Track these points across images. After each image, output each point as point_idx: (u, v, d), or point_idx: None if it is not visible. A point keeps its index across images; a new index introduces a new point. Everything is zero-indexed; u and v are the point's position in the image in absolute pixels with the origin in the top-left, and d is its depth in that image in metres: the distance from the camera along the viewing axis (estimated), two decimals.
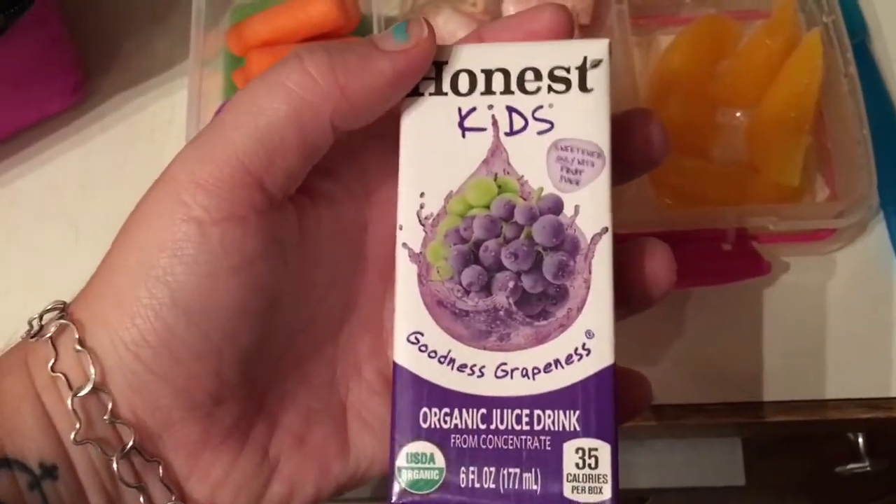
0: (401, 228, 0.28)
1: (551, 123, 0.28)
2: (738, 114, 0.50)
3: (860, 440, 0.61)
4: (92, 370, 0.27)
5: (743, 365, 0.46)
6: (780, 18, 0.49)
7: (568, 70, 0.28)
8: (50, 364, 0.27)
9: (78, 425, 0.27)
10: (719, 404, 0.46)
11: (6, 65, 0.47)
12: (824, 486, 0.71)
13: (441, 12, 0.51)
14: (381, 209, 0.30)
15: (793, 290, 0.47)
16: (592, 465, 0.26)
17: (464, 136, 0.28)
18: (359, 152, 0.30)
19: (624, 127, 0.29)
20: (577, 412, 0.27)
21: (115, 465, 0.27)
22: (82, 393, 0.27)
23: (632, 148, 0.30)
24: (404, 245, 0.28)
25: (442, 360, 0.27)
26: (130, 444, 0.27)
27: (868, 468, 0.62)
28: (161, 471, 0.28)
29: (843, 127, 0.47)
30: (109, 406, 0.27)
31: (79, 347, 0.27)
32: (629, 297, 0.29)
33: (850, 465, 0.63)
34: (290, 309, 0.29)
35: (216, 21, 0.51)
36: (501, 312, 0.27)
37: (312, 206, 0.29)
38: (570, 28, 0.29)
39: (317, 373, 0.30)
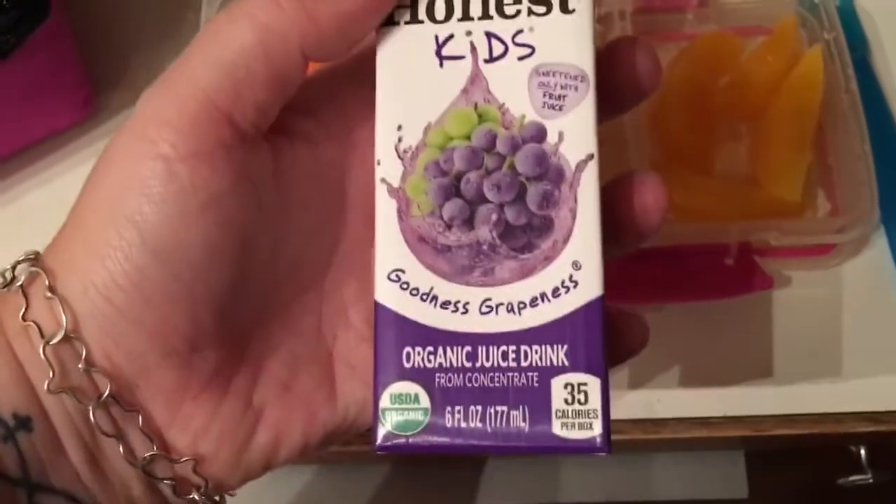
0: (379, 163, 0.27)
1: (532, 48, 0.27)
2: (740, 128, 0.50)
3: (862, 452, 0.61)
4: (63, 317, 0.26)
5: (745, 378, 0.46)
6: (781, 35, 0.50)
7: None
8: (21, 313, 0.27)
9: (51, 374, 0.26)
10: (722, 418, 0.46)
11: (16, 80, 0.47)
12: (826, 497, 0.71)
13: None
14: (362, 151, 0.29)
15: (795, 303, 0.48)
16: (582, 401, 0.25)
17: (441, 65, 0.27)
18: (339, 93, 0.29)
19: (610, 56, 0.28)
20: (566, 346, 0.26)
21: (91, 415, 0.27)
22: (54, 341, 0.26)
23: (619, 77, 0.28)
24: (383, 180, 0.27)
25: (424, 297, 0.26)
26: (107, 392, 0.27)
27: (870, 480, 0.62)
28: (140, 420, 0.27)
29: (844, 142, 0.47)
30: (83, 354, 0.26)
31: (49, 294, 0.26)
32: (618, 234, 0.28)
33: (853, 477, 0.63)
34: (269, 253, 0.28)
35: None
36: (485, 246, 0.26)
37: (290, 146, 0.29)
38: None
39: (302, 319, 0.30)
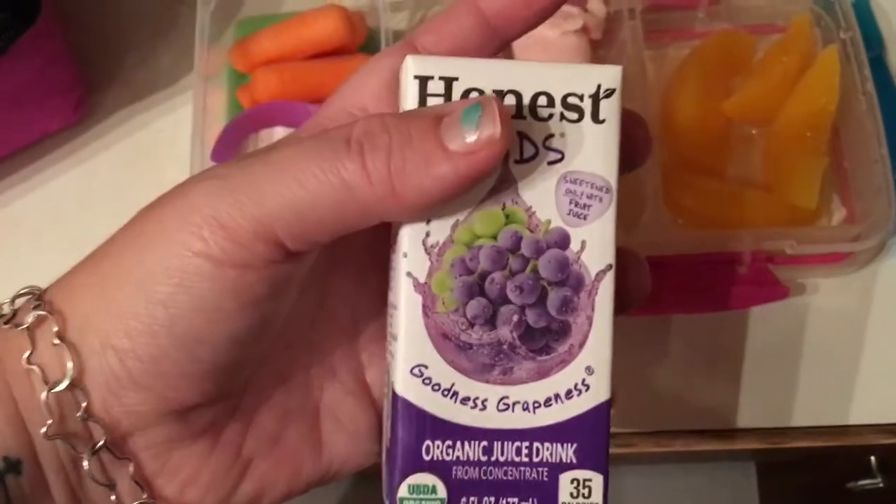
0: (405, 256, 0.27)
1: (562, 154, 0.27)
2: (753, 131, 0.49)
3: (872, 458, 0.61)
4: (70, 365, 0.26)
5: (760, 389, 0.45)
6: (795, 34, 0.48)
7: (581, 98, 0.27)
8: (25, 356, 0.27)
9: (50, 421, 0.27)
10: (732, 430, 0.45)
11: (7, 83, 0.46)
12: (835, 501, 0.70)
13: None
14: None
15: (810, 312, 0.47)
16: (586, 495, 0.27)
17: None
18: None
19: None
20: (574, 445, 0.27)
21: (85, 463, 0.27)
22: (58, 389, 0.27)
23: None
24: (409, 274, 0.27)
25: (445, 392, 0.27)
26: (102, 442, 0.27)
27: (880, 484, 0.62)
28: (131, 469, 0.28)
29: (860, 146, 0.46)
30: (84, 404, 0.27)
31: (57, 341, 0.27)
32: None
33: (862, 482, 0.63)
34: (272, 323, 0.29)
35: (219, 35, 0.50)
36: (505, 346, 0.27)
37: None
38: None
39: (292, 375, 0.30)
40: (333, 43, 0.48)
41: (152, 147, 0.51)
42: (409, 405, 0.27)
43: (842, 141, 0.48)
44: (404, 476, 0.27)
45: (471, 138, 0.25)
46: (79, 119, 0.51)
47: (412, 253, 0.27)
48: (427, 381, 0.27)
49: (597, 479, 0.27)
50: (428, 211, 0.27)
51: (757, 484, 0.55)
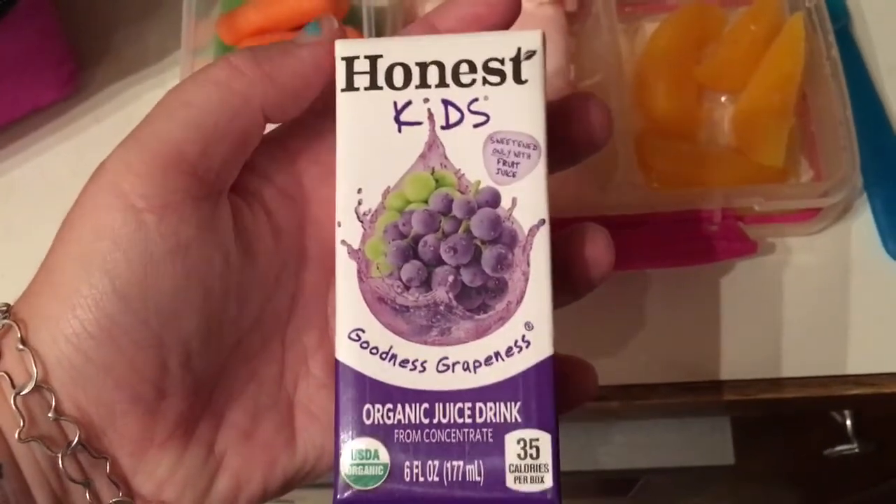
0: (339, 225, 0.28)
1: (487, 116, 0.28)
2: (723, 98, 0.50)
3: (848, 422, 0.62)
4: (34, 368, 0.27)
5: (730, 343, 0.47)
6: (763, 4, 0.50)
7: (502, 62, 0.28)
8: None
9: (22, 423, 0.27)
10: (707, 382, 0.47)
11: None
12: (813, 470, 0.72)
13: (429, 2, 0.52)
14: (319, 208, 0.31)
15: (778, 269, 0.48)
16: (534, 455, 0.27)
17: (400, 130, 0.28)
18: (293, 155, 0.31)
19: (564, 112, 0.30)
20: (518, 403, 0.27)
21: (60, 463, 0.28)
22: (24, 392, 0.27)
23: (573, 133, 0.30)
24: (343, 242, 0.28)
25: (384, 356, 0.27)
26: (76, 440, 0.28)
27: (856, 450, 0.63)
28: (108, 467, 0.28)
29: (826, 109, 0.47)
30: (53, 403, 0.27)
31: (21, 346, 0.27)
32: (571, 283, 0.30)
33: (839, 448, 0.64)
34: (235, 306, 0.29)
35: (207, 10, 0.52)
36: (441, 307, 0.28)
37: (248, 206, 0.30)
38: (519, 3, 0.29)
39: (265, 369, 0.31)
40: (316, 14, 0.49)
41: None
42: (347, 370, 0.27)
43: (809, 105, 0.49)
44: (346, 441, 0.27)
45: (315, 33, 0.29)
46: (70, 93, 0.52)
47: (345, 221, 0.28)
48: (365, 345, 0.27)
49: (544, 439, 0.27)
50: (302, 97, 0.29)
51: (734, 450, 0.57)
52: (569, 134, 0.30)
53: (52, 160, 0.52)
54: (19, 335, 0.27)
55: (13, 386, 0.27)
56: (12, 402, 0.27)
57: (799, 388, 0.47)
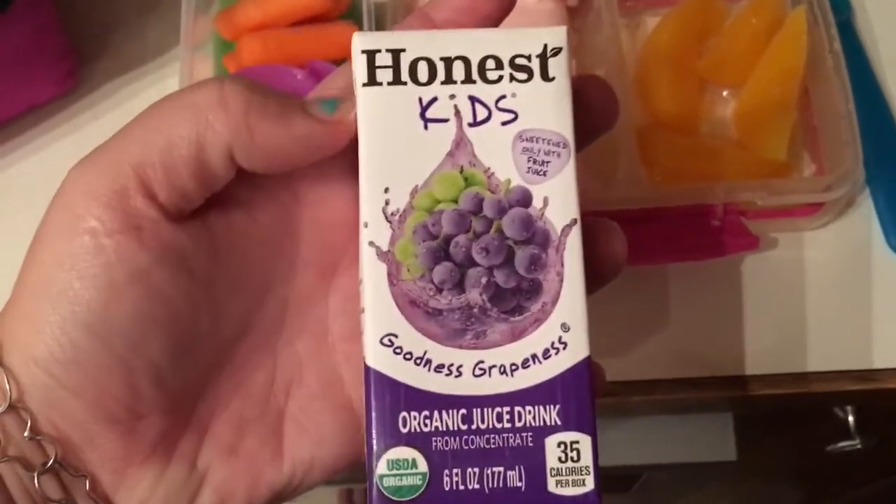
0: (365, 226, 0.27)
1: (515, 113, 0.27)
2: (725, 92, 0.50)
3: (850, 418, 0.62)
4: (8, 388, 0.27)
5: (732, 339, 0.47)
6: None
7: (529, 58, 0.28)
8: None
9: None
10: (709, 378, 0.46)
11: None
12: (815, 465, 0.71)
13: None
14: (312, 210, 0.30)
15: (781, 264, 0.48)
16: (575, 458, 0.26)
17: (426, 127, 0.27)
18: None
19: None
20: (557, 406, 0.26)
21: (35, 482, 0.27)
22: None
23: (579, 116, 0.29)
24: (371, 243, 0.27)
25: (418, 361, 0.27)
26: (52, 459, 0.27)
27: (858, 446, 0.63)
28: (87, 485, 0.28)
29: (828, 103, 0.47)
30: (28, 423, 0.27)
31: None
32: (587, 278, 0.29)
33: (841, 444, 0.64)
34: (210, 320, 0.29)
35: (207, 6, 0.52)
36: (476, 309, 0.27)
37: (224, 214, 0.29)
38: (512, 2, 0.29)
39: (253, 378, 0.30)
40: (316, 10, 0.49)
41: None
42: (381, 377, 0.26)
43: (811, 99, 0.49)
44: (382, 452, 0.26)
45: (327, 111, 0.28)
46: (70, 89, 0.52)
47: (372, 222, 0.27)
48: (398, 351, 0.27)
49: (584, 441, 0.26)
50: (274, 162, 0.27)
51: (737, 447, 0.56)
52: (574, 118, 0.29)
53: (50, 157, 0.52)
54: None
55: None
56: None
57: (801, 384, 0.46)
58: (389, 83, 0.27)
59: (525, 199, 0.27)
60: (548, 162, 0.27)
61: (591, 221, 0.29)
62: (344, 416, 0.30)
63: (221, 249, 0.29)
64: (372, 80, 0.27)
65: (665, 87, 0.49)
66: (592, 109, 0.29)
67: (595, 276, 0.29)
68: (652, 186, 0.47)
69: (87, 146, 0.51)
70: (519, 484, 0.26)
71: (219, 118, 0.27)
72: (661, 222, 0.46)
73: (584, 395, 0.26)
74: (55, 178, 0.51)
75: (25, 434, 0.27)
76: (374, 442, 0.26)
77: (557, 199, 0.27)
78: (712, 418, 0.54)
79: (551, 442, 0.26)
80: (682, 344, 0.47)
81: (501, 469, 0.26)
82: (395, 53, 0.28)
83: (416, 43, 0.28)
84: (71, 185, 0.27)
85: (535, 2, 0.50)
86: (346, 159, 0.28)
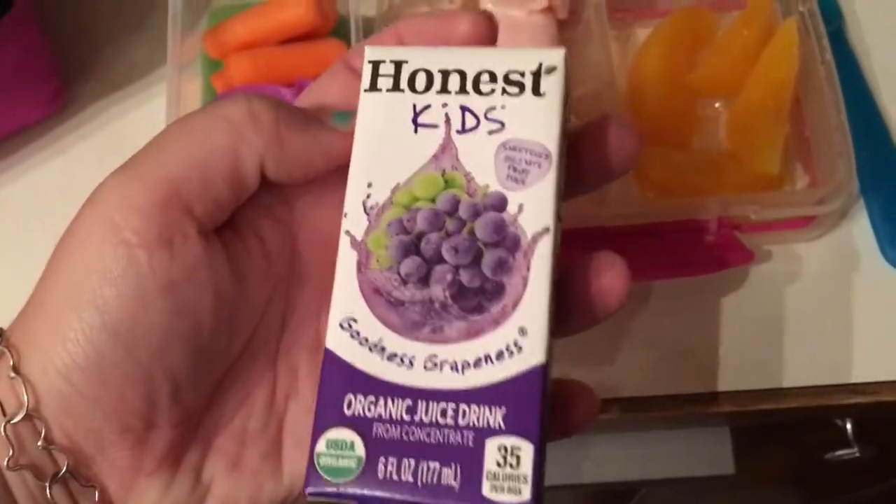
0: (346, 216, 0.28)
1: (502, 124, 0.28)
2: (717, 104, 0.50)
3: (848, 426, 0.61)
4: (26, 397, 0.27)
5: (729, 354, 0.46)
6: (756, 8, 0.49)
7: (523, 74, 0.29)
8: None
9: (11, 452, 0.27)
10: (706, 394, 0.46)
11: None
12: (814, 473, 0.71)
13: (417, 12, 0.51)
14: (313, 231, 0.31)
15: (776, 277, 0.48)
16: (514, 465, 0.26)
17: (416, 131, 0.29)
18: (285, 185, 0.31)
19: (587, 135, 0.30)
20: (504, 409, 0.26)
21: (48, 492, 0.27)
22: (14, 421, 0.27)
23: (589, 158, 0.30)
24: (347, 232, 0.28)
25: (372, 347, 0.27)
26: (64, 469, 0.28)
27: (857, 454, 0.62)
28: (97, 495, 0.28)
29: (821, 114, 0.47)
30: (43, 432, 0.27)
31: (12, 374, 0.27)
32: (584, 310, 0.29)
33: (839, 452, 0.64)
34: (225, 337, 0.29)
35: (193, 25, 0.51)
36: (437, 305, 0.27)
37: (238, 237, 0.30)
38: (492, 36, 0.30)
39: (256, 392, 0.30)
40: (304, 27, 0.49)
41: (130, 137, 0.52)
42: (334, 358, 0.27)
43: (803, 110, 0.49)
44: (322, 430, 0.26)
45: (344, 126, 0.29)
46: (56, 110, 0.52)
47: (352, 212, 0.28)
48: (355, 335, 0.27)
49: (526, 448, 0.26)
50: (303, 172, 0.29)
51: (734, 458, 0.56)
52: (584, 159, 0.30)
53: (39, 177, 0.52)
54: (11, 363, 0.27)
55: (3, 414, 0.27)
56: (2, 430, 0.27)
57: (798, 398, 0.46)
58: (388, 90, 0.29)
59: (500, 204, 0.28)
60: (527, 171, 0.28)
61: (594, 253, 0.29)
62: None
63: (237, 266, 0.29)
64: (373, 87, 0.29)
65: (656, 100, 0.49)
66: (609, 153, 0.30)
67: (593, 309, 0.29)
68: (645, 202, 0.46)
69: (75, 167, 0.52)
70: (453, 483, 0.26)
71: (252, 130, 0.28)
72: (654, 238, 0.46)
73: (533, 401, 0.26)
74: (44, 199, 0.51)
75: (39, 443, 0.27)
76: (318, 420, 0.27)
77: (532, 207, 0.28)
78: (709, 432, 0.54)
79: (492, 444, 0.26)
80: (679, 359, 0.47)
81: (437, 465, 0.26)
82: (398, 64, 0.29)
83: (420, 56, 0.29)
84: (106, 195, 0.27)
85: (526, 15, 0.50)
86: (342, 184, 0.29)
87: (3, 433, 0.27)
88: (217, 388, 0.30)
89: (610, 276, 0.28)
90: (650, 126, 0.49)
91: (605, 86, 0.48)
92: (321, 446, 0.26)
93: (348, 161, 0.29)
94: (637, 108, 0.49)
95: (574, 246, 0.30)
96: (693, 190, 0.47)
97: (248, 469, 0.30)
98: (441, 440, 0.26)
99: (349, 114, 0.30)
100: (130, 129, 0.53)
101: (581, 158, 0.30)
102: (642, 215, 0.46)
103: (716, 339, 0.47)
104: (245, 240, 0.30)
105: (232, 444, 0.30)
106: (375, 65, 0.29)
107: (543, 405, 0.26)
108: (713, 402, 0.46)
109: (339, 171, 0.29)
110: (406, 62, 0.29)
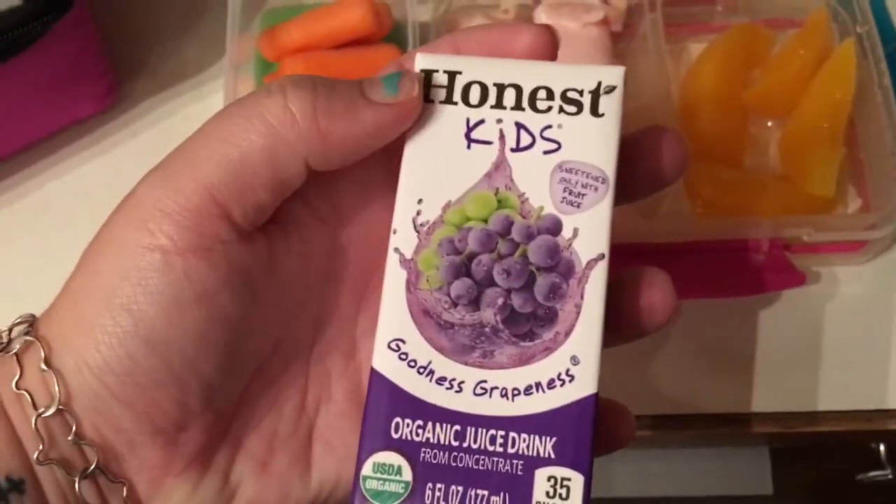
0: (394, 233, 0.28)
1: (558, 144, 0.28)
2: (769, 123, 0.50)
3: (882, 448, 0.61)
4: (57, 391, 0.27)
5: (773, 374, 0.46)
6: (813, 28, 0.49)
7: (581, 93, 0.28)
8: (14, 381, 0.27)
9: (41, 446, 0.27)
10: (748, 414, 0.46)
11: (40, 69, 0.47)
12: (844, 494, 0.71)
13: (473, 18, 0.51)
14: (355, 229, 0.30)
15: (821, 299, 0.47)
16: (563, 496, 0.25)
17: (469, 147, 0.28)
18: (328, 175, 0.30)
19: (640, 143, 0.29)
20: (554, 439, 0.26)
21: (77, 486, 0.27)
22: (46, 414, 0.27)
23: (642, 167, 0.29)
24: (396, 250, 0.27)
25: (421, 370, 0.27)
26: (94, 465, 0.27)
27: (889, 476, 0.62)
28: (125, 492, 0.28)
29: (876, 138, 0.47)
30: (74, 427, 0.27)
31: (44, 367, 0.27)
32: (622, 325, 0.29)
33: (872, 473, 0.63)
34: (258, 336, 0.29)
35: (247, 24, 0.51)
36: (487, 329, 0.27)
37: (282, 233, 0.29)
38: (553, 51, 0.29)
39: (286, 394, 0.30)
40: (359, 32, 0.49)
41: (180, 135, 0.51)
42: (382, 379, 0.27)
43: (858, 133, 0.48)
44: (370, 453, 0.26)
45: (391, 93, 0.27)
46: (109, 106, 0.52)
47: (401, 229, 0.27)
48: (403, 357, 0.27)
49: (576, 480, 0.25)
50: (351, 157, 0.27)
51: (771, 479, 0.56)
52: (638, 168, 0.29)
53: (88, 175, 0.52)
54: (42, 355, 0.27)
55: (34, 405, 0.27)
56: (33, 423, 0.27)
57: (839, 422, 0.46)
58: (441, 101, 0.28)
59: (555, 228, 0.27)
60: (584, 194, 0.27)
61: (639, 268, 0.29)
62: None
63: (276, 265, 0.29)
64: (426, 97, 0.28)
65: (709, 117, 0.49)
66: (662, 161, 0.29)
67: (636, 326, 0.29)
68: (696, 219, 0.46)
69: (125, 164, 0.52)
70: None
71: (290, 129, 0.26)
72: (704, 256, 0.46)
73: (584, 432, 0.26)
74: (93, 196, 0.51)
75: (70, 438, 0.27)
76: (364, 442, 0.26)
77: (587, 232, 0.27)
78: (747, 451, 0.54)
79: (541, 474, 0.26)
80: (721, 378, 0.46)
81: (486, 493, 0.26)
82: (452, 75, 0.28)
83: (475, 67, 0.28)
84: (141, 198, 0.27)
85: (579, 28, 0.50)
86: (389, 180, 0.28)
87: (33, 426, 0.27)
88: (248, 390, 0.29)
89: (659, 292, 0.28)
90: (702, 142, 0.49)
91: (659, 100, 0.48)
92: (367, 469, 0.26)
93: (399, 133, 0.28)
94: (689, 124, 0.49)
95: (623, 261, 0.29)
96: (743, 209, 0.47)
97: (276, 472, 0.29)
98: (490, 468, 0.26)
99: (396, 77, 0.28)
100: (181, 127, 0.53)
101: (633, 166, 0.29)
102: (693, 232, 0.46)
103: (759, 359, 0.46)
104: (287, 235, 0.29)
105: (261, 447, 0.30)
106: (428, 74, 0.28)
107: (594, 435, 0.26)
108: (756, 423, 0.46)
109: (386, 168, 0.29)
110: (460, 73, 0.28)
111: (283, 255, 0.29)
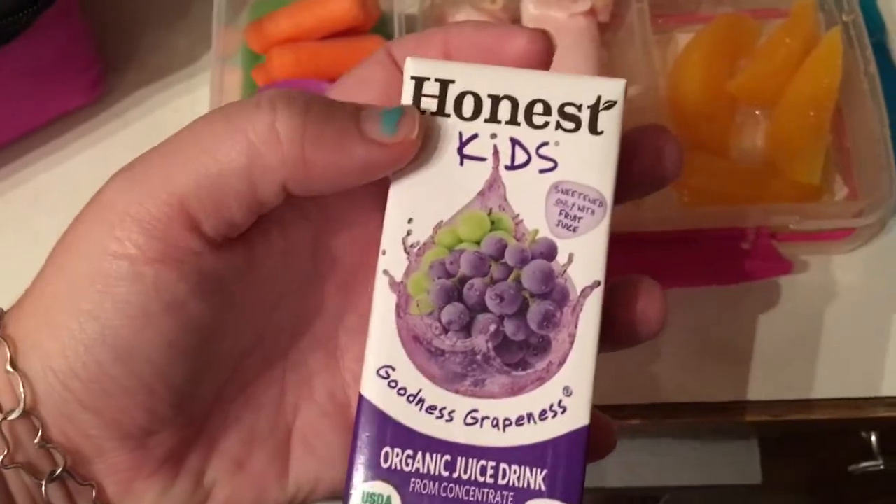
0: (384, 253, 0.26)
1: (555, 162, 0.26)
2: (756, 112, 0.50)
3: (873, 438, 0.61)
4: (23, 394, 0.26)
5: (762, 363, 0.46)
6: (799, 17, 0.49)
7: (579, 108, 0.26)
8: None
9: (6, 450, 0.26)
10: (735, 402, 0.46)
11: (28, 60, 0.47)
12: (836, 484, 0.71)
13: (460, 10, 0.51)
14: (341, 227, 0.29)
15: (810, 288, 0.47)
16: None
17: (462, 163, 0.26)
18: None
19: (636, 146, 0.28)
20: (545, 471, 0.25)
21: (43, 490, 0.27)
22: (11, 417, 0.26)
23: (641, 169, 0.28)
24: (385, 272, 0.26)
25: (411, 398, 0.26)
26: (60, 468, 0.27)
27: (881, 466, 0.62)
28: (94, 494, 0.27)
29: (862, 126, 0.47)
30: (40, 431, 0.26)
31: (10, 369, 0.26)
32: (616, 335, 0.28)
33: (864, 464, 0.63)
34: (234, 337, 0.28)
35: (235, 16, 0.51)
36: (479, 357, 0.26)
37: (262, 234, 0.28)
38: (548, 58, 0.27)
39: (264, 393, 0.29)
40: (346, 23, 0.49)
41: (169, 126, 0.50)
42: (372, 408, 0.26)
43: (844, 121, 0.49)
44: (359, 483, 0.26)
45: (388, 132, 0.25)
46: (97, 98, 0.52)
47: (391, 250, 0.26)
48: (393, 384, 0.26)
49: None
50: (331, 188, 0.26)
51: (761, 470, 0.56)
52: (637, 170, 0.28)
53: (78, 166, 0.52)
54: (8, 355, 0.26)
55: (0, 409, 0.26)
56: None
57: (830, 410, 0.46)
58: (433, 113, 0.27)
59: (549, 253, 0.26)
60: (580, 218, 0.26)
61: (631, 277, 0.28)
62: (348, 436, 0.28)
63: (255, 268, 0.28)
64: (416, 106, 0.27)
65: (696, 105, 0.49)
66: (654, 164, 0.28)
67: (631, 336, 0.28)
68: (683, 208, 0.46)
69: (114, 155, 0.51)
70: None
71: (273, 153, 0.25)
72: (691, 245, 0.46)
73: (575, 464, 0.25)
74: (83, 187, 0.50)
75: (35, 441, 0.26)
76: (354, 472, 0.26)
77: (583, 258, 0.26)
78: (737, 441, 0.54)
79: None
80: (709, 366, 0.46)
81: None
82: (444, 84, 0.27)
83: (468, 75, 0.27)
84: (111, 201, 0.26)
85: (567, 17, 0.50)
86: (382, 181, 0.27)
87: None
88: (224, 389, 0.29)
89: (652, 302, 0.28)
90: (689, 132, 0.49)
91: (647, 90, 0.48)
92: (356, 500, 0.26)
93: (388, 173, 0.27)
94: (677, 114, 0.49)
95: (610, 251, 0.28)
96: (730, 197, 0.47)
97: (252, 472, 0.29)
98: (480, 499, 0.25)
99: (396, 114, 0.26)
100: (170, 117, 0.53)
101: (628, 167, 0.28)
102: (680, 221, 0.46)
103: (747, 348, 0.47)
104: (269, 234, 0.28)
105: (237, 446, 0.29)
106: (419, 82, 0.27)
107: (584, 466, 0.26)
108: (743, 412, 0.46)
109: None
110: (453, 82, 0.27)
111: (263, 255, 0.28)
